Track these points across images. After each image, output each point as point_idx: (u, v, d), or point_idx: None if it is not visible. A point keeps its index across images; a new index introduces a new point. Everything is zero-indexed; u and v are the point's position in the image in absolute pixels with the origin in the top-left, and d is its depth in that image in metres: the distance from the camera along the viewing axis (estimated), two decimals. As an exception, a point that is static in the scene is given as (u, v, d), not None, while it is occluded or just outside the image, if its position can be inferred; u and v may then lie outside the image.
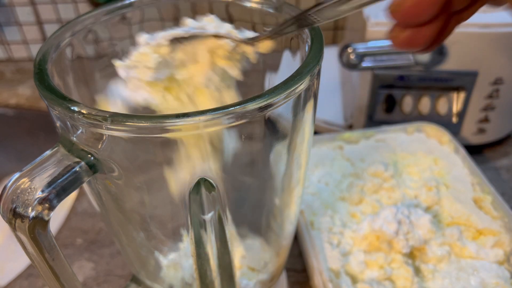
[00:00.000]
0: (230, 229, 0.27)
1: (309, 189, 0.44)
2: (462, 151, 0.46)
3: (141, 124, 0.19)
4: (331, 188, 0.44)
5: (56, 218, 0.49)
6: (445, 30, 0.21)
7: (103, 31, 0.29)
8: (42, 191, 0.20)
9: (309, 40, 0.25)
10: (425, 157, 0.46)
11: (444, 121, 0.50)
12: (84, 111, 0.20)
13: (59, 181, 0.20)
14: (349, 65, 0.47)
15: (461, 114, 0.50)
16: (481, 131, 0.51)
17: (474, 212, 0.41)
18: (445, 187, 0.43)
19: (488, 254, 0.37)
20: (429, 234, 0.38)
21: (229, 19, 0.32)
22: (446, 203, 0.41)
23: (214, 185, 0.24)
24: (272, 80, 0.32)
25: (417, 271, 0.37)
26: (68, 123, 0.21)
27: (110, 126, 0.20)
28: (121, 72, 0.24)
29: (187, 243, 0.31)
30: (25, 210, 0.20)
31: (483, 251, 0.38)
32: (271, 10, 0.29)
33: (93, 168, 0.22)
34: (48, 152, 0.22)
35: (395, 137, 0.49)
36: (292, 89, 0.21)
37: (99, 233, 0.46)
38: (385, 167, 0.44)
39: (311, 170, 0.46)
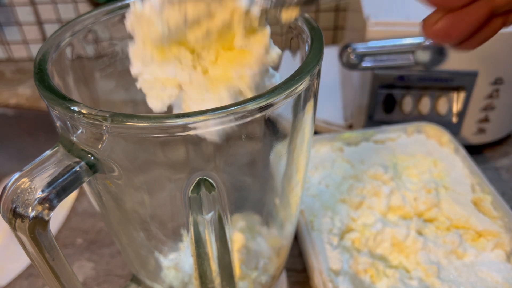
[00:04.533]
0: (230, 229, 0.27)
1: (309, 191, 0.44)
2: (462, 151, 0.46)
3: (141, 124, 0.19)
4: (332, 190, 0.44)
5: (56, 218, 0.49)
6: (486, 26, 0.20)
7: (103, 31, 0.29)
8: (42, 191, 0.20)
9: (309, 40, 0.25)
10: (424, 159, 0.46)
11: (444, 121, 0.50)
12: (84, 111, 0.20)
13: (59, 181, 0.20)
14: (349, 65, 0.47)
15: (461, 114, 0.50)
16: (481, 131, 0.51)
17: (473, 214, 0.40)
18: (444, 189, 0.43)
19: (489, 257, 0.37)
20: None
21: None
22: (445, 205, 0.41)
23: (214, 185, 0.24)
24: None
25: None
26: (68, 123, 0.21)
27: (110, 126, 0.20)
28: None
29: (187, 243, 0.31)
30: (25, 210, 0.20)
31: (483, 255, 0.38)
32: (271, 10, 0.29)
33: (93, 168, 0.22)
34: (48, 152, 0.22)
35: (395, 138, 0.49)
36: (292, 89, 0.21)
37: (99, 233, 0.46)
38: (384, 170, 0.44)
39: (311, 172, 0.46)
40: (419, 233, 0.40)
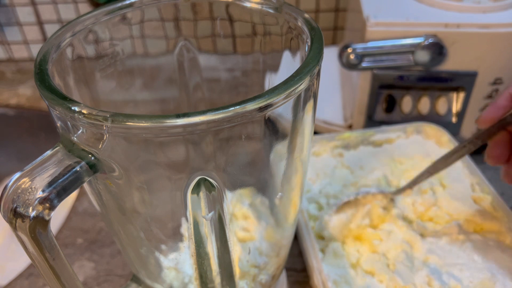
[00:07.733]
0: (230, 229, 0.27)
1: (310, 198, 0.44)
2: (462, 151, 0.46)
3: (141, 124, 0.19)
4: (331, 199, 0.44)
5: (57, 217, 0.49)
6: None
7: (103, 31, 0.29)
8: (43, 191, 0.20)
9: (309, 40, 0.25)
10: (422, 161, 0.46)
11: (443, 121, 0.51)
12: (84, 111, 0.20)
13: (60, 181, 0.20)
14: (349, 65, 0.47)
15: (461, 114, 0.50)
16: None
17: (473, 208, 0.41)
18: (442, 187, 0.43)
19: (489, 245, 0.38)
20: None
21: (229, 19, 0.32)
22: (443, 203, 0.41)
23: (214, 185, 0.24)
24: (272, 80, 0.32)
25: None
26: (69, 123, 0.21)
27: (110, 126, 0.20)
28: None
29: (187, 243, 0.31)
30: (25, 210, 0.20)
31: (484, 242, 0.38)
32: (271, 10, 0.29)
33: (93, 168, 0.22)
34: (48, 152, 0.22)
35: (394, 138, 0.49)
36: (292, 89, 0.21)
37: (100, 233, 0.46)
38: (383, 175, 0.44)
39: (312, 180, 0.46)
40: (420, 233, 0.40)
